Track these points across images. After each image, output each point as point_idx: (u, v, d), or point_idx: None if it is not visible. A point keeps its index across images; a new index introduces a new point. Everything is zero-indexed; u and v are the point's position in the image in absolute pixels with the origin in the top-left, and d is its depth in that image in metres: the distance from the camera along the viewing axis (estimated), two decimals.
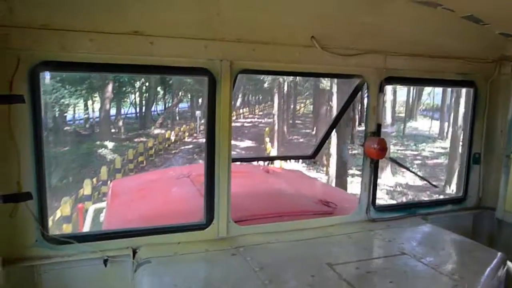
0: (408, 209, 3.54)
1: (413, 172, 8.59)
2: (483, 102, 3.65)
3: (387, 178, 18.59)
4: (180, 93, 46.06)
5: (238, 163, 5.52)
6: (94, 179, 15.78)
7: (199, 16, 2.57)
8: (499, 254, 2.80)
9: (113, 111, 39.93)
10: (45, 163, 2.50)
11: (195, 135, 35.25)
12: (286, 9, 2.69)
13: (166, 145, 27.19)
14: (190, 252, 2.68)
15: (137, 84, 38.73)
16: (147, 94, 42.76)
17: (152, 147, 24.07)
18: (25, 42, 2.28)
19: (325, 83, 19.97)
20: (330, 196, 3.97)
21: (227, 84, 2.73)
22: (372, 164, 3.29)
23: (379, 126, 3.27)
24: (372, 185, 3.31)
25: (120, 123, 34.32)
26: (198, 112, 38.39)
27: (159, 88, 45.42)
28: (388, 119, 19.76)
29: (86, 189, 14.04)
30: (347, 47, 2.96)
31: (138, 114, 44.48)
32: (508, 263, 2.85)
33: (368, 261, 2.71)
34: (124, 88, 37.84)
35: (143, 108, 42.89)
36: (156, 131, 35.49)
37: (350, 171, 17.69)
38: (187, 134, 33.60)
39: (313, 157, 3.94)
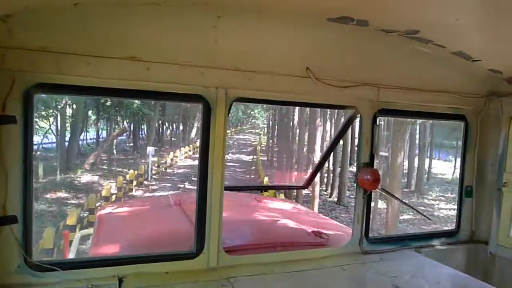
0: (401, 242, 4.55)
1: (407, 204, 9.88)
2: (473, 135, 4.84)
3: None
4: (118, 118, 45.63)
5: (230, 191, 6.38)
6: None
7: (196, 43, 3.46)
8: None
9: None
10: (33, 187, 3.21)
11: (146, 183, 31.40)
12: (282, 39, 3.70)
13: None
14: (179, 282, 3.40)
15: (60, 104, 37.39)
16: (72, 119, 40.64)
17: (77, 224, 16.73)
18: (21, 63, 2.96)
19: None
20: (322, 227, 4.97)
21: (222, 111, 3.62)
22: (365, 195, 4.28)
23: (372, 157, 4.31)
24: (365, 217, 4.29)
25: None
26: (150, 149, 34.02)
27: (90, 112, 44.66)
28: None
29: None
30: (341, 79, 3.98)
31: (58, 145, 39.67)
32: None
33: None
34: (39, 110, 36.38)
35: (67, 136, 39.72)
36: (85, 178, 30.93)
37: None
38: (135, 183, 28.83)
39: (305, 188, 5.00)
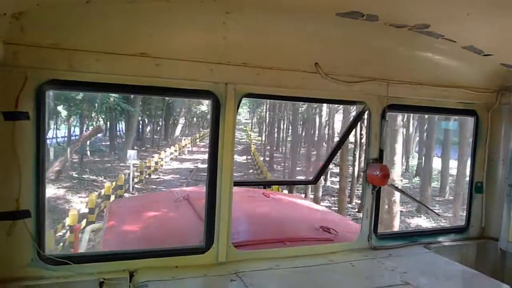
0: (410, 238, 5.09)
1: (416, 200, 10.58)
2: (484, 131, 5.37)
3: None
4: (93, 114, 45.28)
5: (238, 187, 6.90)
6: None
7: (205, 39, 3.94)
8: (503, 285, 4.23)
9: None
10: (45, 182, 3.68)
11: (127, 195, 28.75)
12: (291, 35, 4.18)
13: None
14: (189, 276, 3.90)
15: None
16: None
17: None
18: (33, 60, 3.38)
19: None
20: (330, 222, 5.53)
21: (231, 107, 4.10)
22: (374, 191, 4.81)
23: (381, 153, 4.82)
24: (374, 212, 4.82)
25: None
26: (130, 153, 32.88)
27: (61, 108, 44.50)
28: None
29: None
30: (350, 74, 4.47)
31: None
32: None
33: None
34: None
35: None
36: (48, 192, 26.45)
37: None
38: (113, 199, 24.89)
39: (314, 183, 5.56)
